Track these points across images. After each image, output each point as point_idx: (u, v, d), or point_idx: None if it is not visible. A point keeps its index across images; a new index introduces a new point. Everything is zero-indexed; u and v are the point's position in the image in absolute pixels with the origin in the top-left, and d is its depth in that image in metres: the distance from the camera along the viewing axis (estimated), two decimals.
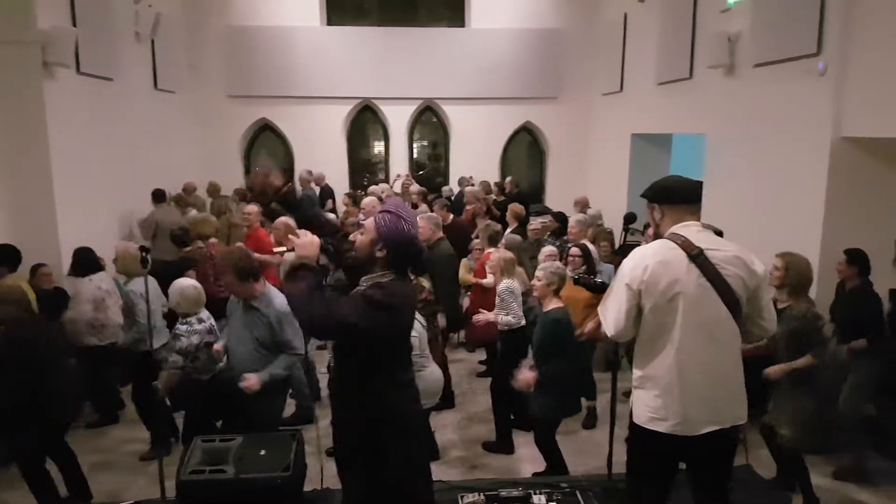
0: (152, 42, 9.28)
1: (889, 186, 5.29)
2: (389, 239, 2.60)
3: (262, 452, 3.26)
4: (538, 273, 4.31)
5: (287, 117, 11.85)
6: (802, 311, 4.05)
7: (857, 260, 4.67)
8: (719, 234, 3.01)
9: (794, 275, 4.09)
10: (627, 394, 3.57)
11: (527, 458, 4.86)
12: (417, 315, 4.17)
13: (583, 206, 9.23)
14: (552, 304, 4.24)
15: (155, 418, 4.81)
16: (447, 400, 5.62)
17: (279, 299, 3.77)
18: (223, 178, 10.63)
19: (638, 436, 2.72)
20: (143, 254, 3.92)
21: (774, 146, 5.99)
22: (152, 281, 5.07)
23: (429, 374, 4.22)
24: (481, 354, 6.87)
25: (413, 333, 4.15)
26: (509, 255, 5.24)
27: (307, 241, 2.66)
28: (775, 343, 4.05)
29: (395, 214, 2.63)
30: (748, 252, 2.66)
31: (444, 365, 5.19)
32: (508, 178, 10.71)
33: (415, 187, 10.09)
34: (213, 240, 6.31)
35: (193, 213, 8.23)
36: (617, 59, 10.32)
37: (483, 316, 4.99)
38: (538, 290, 4.28)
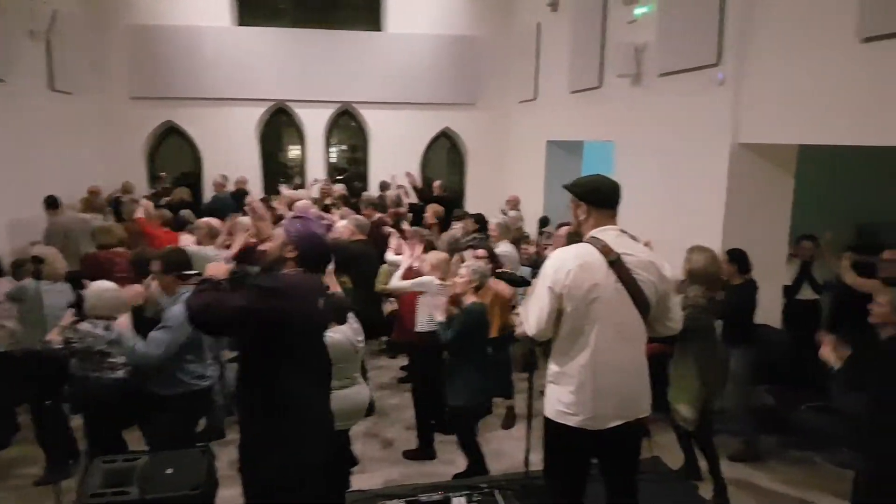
0: (48, 41, 8.72)
1: (782, 189, 5.67)
2: (298, 239, 2.76)
3: (170, 471, 3.10)
4: (462, 270, 4.37)
5: (195, 120, 11.43)
6: (693, 298, 4.23)
7: (736, 258, 4.96)
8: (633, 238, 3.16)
9: (696, 267, 4.29)
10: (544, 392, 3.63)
11: (449, 462, 4.87)
12: (354, 324, 4.08)
13: (514, 204, 9.35)
14: (471, 300, 4.31)
15: (53, 434, 4.49)
16: (367, 408, 5.53)
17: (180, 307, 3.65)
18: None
19: (550, 430, 2.81)
20: (38, 265, 3.69)
21: (679, 152, 6.29)
22: (66, 286, 4.94)
23: (355, 392, 4.02)
24: (403, 360, 6.82)
25: (358, 340, 4.08)
26: (443, 255, 5.23)
27: (216, 265, 2.80)
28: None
29: (304, 218, 2.86)
30: (660, 258, 2.81)
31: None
32: (437, 182, 10.76)
33: (338, 187, 9.96)
34: (118, 248, 5.97)
35: (98, 220, 7.78)
36: (531, 68, 10.56)
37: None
38: (459, 288, 4.33)
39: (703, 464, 4.50)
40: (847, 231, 6.61)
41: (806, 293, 6.15)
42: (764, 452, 5.05)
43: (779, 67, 5.12)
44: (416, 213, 8.80)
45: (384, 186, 10.98)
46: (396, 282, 5.05)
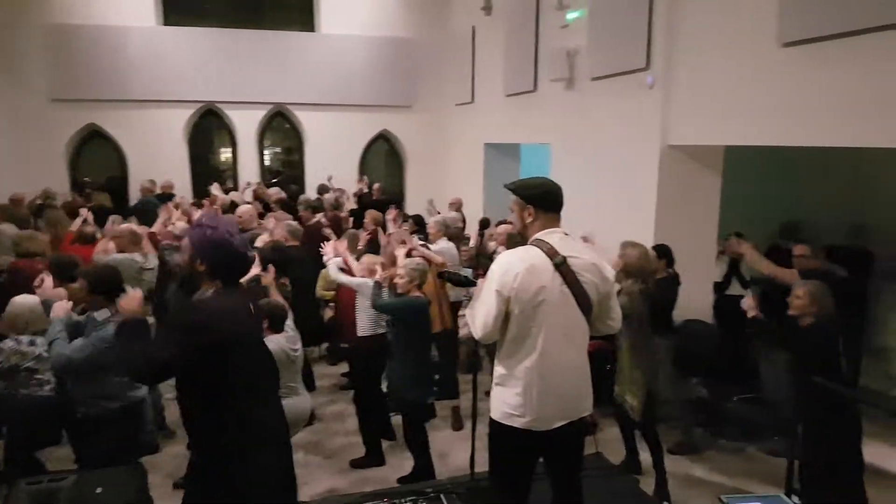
0: None
1: (710, 188, 5.88)
2: (205, 251, 2.54)
3: (99, 490, 2.94)
4: (399, 270, 4.34)
5: (120, 122, 10.97)
6: (627, 290, 4.36)
7: (661, 253, 5.13)
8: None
9: (630, 261, 4.42)
10: (489, 393, 3.64)
11: (399, 468, 4.80)
12: (290, 332, 3.96)
13: (457, 207, 9.36)
14: (416, 294, 4.34)
15: None
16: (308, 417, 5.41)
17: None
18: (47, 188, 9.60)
19: (496, 432, 2.82)
20: None
21: (612, 153, 6.45)
22: None
23: (295, 402, 3.93)
24: (344, 367, 6.70)
25: (293, 349, 3.97)
26: (376, 258, 5.17)
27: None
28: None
29: (207, 226, 2.57)
30: (601, 259, 2.85)
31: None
32: (376, 185, 10.67)
33: (273, 191, 9.71)
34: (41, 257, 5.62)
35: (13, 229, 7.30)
36: (467, 71, 10.63)
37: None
38: (401, 287, 4.32)
39: (644, 457, 4.61)
40: (772, 227, 6.92)
41: (735, 289, 6.39)
42: (699, 444, 5.22)
43: (705, 72, 5.31)
44: (357, 217, 8.70)
45: (322, 190, 10.82)
46: (335, 272, 4.95)
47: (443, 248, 6.15)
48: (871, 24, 3.80)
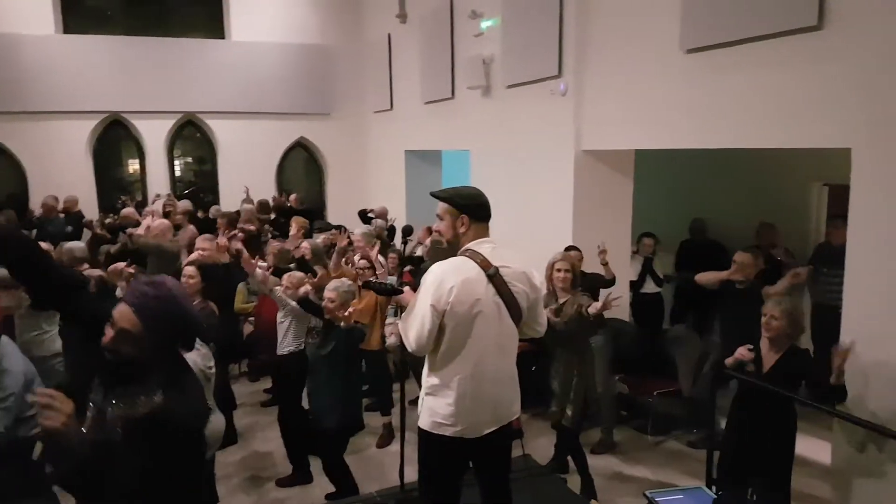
0: None
1: (623, 191, 6.08)
2: (157, 331, 1.96)
3: None
4: (328, 294, 4.13)
5: (16, 135, 10.26)
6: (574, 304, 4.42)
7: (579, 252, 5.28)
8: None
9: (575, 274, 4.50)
10: (414, 401, 3.61)
11: (325, 485, 4.68)
12: (202, 348, 3.78)
13: (382, 214, 9.25)
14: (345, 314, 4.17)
15: None
16: (228, 437, 5.20)
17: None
18: None
19: (425, 441, 2.80)
20: None
21: (530, 159, 6.57)
22: None
23: (210, 422, 3.79)
24: (266, 383, 6.50)
25: (209, 366, 3.78)
26: (299, 274, 5.04)
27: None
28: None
29: (156, 284, 2.04)
30: (530, 268, 2.89)
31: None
32: (293, 196, 10.44)
33: (184, 203, 9.34)
34: None
35: None
36: (385, 78, 10.59)
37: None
38: (329, 312, 4.12)
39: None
40: (681, 226, 7.23)
41: (649, 287, 6.65)
42: (622, 440, 5.37)
43: (614, 79, 5.50)
44: (280, 226, 8.50)
45: (241, 201, 10.52)
46: (280, 294, 4.74)
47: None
48: (764, 32, 4.03)
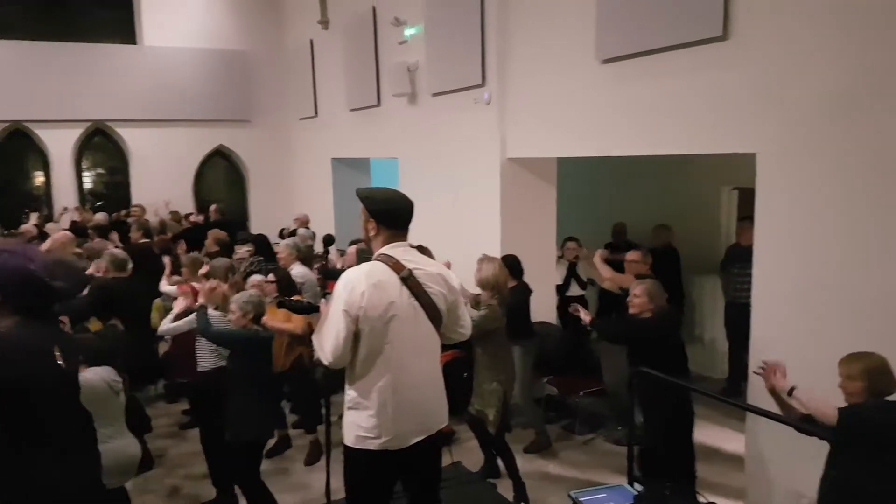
0: None
1: (547, 198, 6.20)
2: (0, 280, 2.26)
3: None
4: (231, 306, 4.05)
5: None
6: (486, 303, 4.48)
7: (509, 264, 5.33)
8: (420, 248, 3.18)
9: (486, 275, 4.51)
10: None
11: None
12: (106, 376, 3.57)
13: (302, 223, 9.05)
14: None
15: None
16: (144, 462, 4.91)
17: None
18: None
19: (350, 458, 2.73)
20: None
21: (457, 167, 6.60)
22: None
23: (117, 447, 3.52)
24: (184, 404, 6.20)
25: (116, 380, 3.56)
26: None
27: None
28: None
29: (8, 252, 2.33)
30: (446, 269, 2.87)
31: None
32: (213, 206, 10.09)
33: (100, 216, 8.87)
34: None
35: None
36: (308, 85, 10.42)
37: None
38: (234, 323, 4.03)
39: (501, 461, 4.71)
40: (603, 230, 7.43)
41: (574, 290, 6.80)
42: (552, 441, 5.44)
43: (535, 88, 5.60)
44: (195, 239, 8.17)
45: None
46: (168, 325, 4.59)
47: (299, 274, 5.85)
48: (673, 43, 4.19)
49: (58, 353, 2.32)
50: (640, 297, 4.01)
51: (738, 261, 5.90)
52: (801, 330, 3.54)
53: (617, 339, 4.49)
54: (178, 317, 4.58)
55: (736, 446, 4.84)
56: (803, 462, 3.18)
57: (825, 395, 2.83)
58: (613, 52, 4.70)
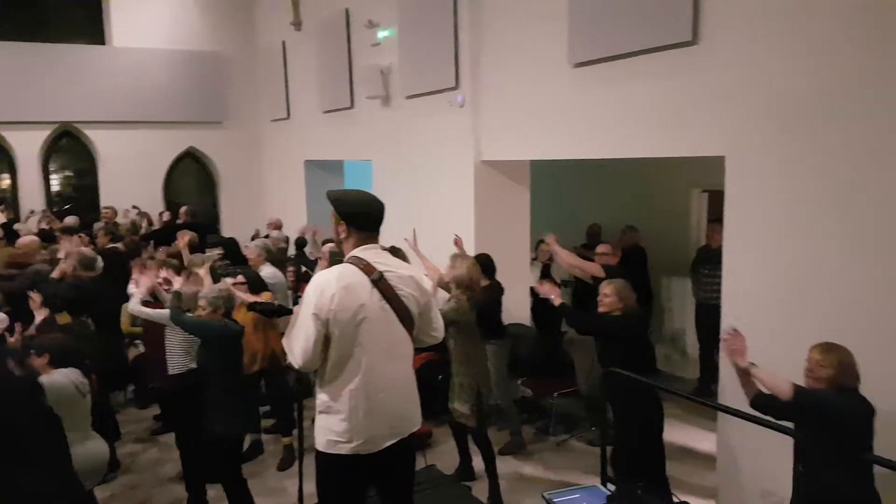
0: None
1: (520, 200, 6.23)
2: None
3: None
4: (200, 301, 4.01)
5: None
6: (456, 298, 4.48)
7: (480, 263, 5.34)
8: (394, 249, 3.17)
9: (460, 273, 4.51)
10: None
11: None
12: (74, 377, 3.51)
13: (276, 227, 8.96)
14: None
15: None
16: (111, 465, 4.81)
17: None
18: None
19: (322, 463, 2.71)
20: None
21: (432, 169, 6.60)
22: None
23: (85, 450, 3.47)
24: (155, 409, 6.10)
25: (83, 381, 3.50)
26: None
27: None
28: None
29: None
30: (418, 271, 2.88)
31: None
32: (184, 208, 9.94)
33: (70, 219, 8.69)
34: None
35: None
36: (280, 86, 10.33)
37: None
38: (205, 318, 3.99)
39: (477, 461, 4.70)
40: (577, 232, 7.48)
41: None
42: (527, 442, 5.46)
43: (508, 91, 5.63)
44: (166, 241, 8.04)
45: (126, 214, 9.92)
46: (138, 306, 4.52)
47: (269, 275, 5.79)
48: (644, 47, 4.25)
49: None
50: (609, 296, 4.04)
51: (707, 262, 5.99)
52: (769, 330, 3.61)
53: (583, 329, 4.51)
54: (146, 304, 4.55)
55: (708, 446, 4.91)
56: (775, 461, 3.24)
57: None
58: (585, 56, 4.74)
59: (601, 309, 4.09)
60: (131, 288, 5.56)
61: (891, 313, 3.11)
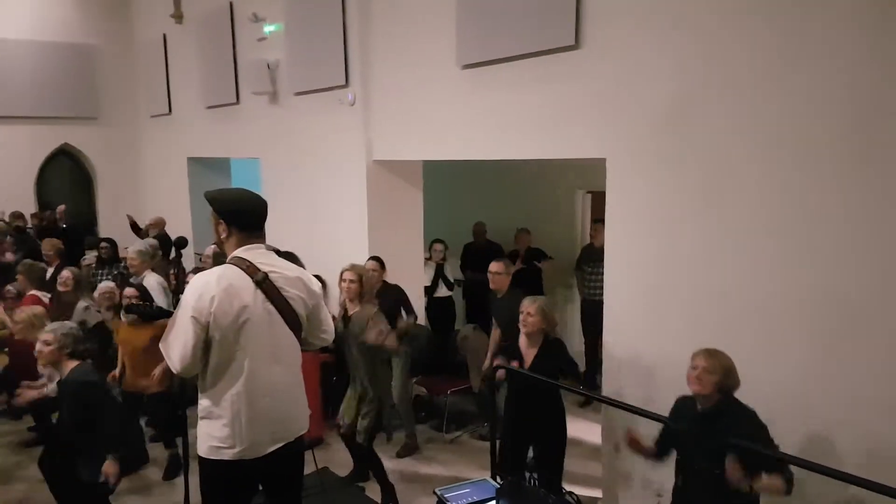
0: None
1: (413, 200, 6.24)
2: None
3: None
4: (46, 337, 3.59)
5: None
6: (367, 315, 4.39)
7: (378, 263, 5.35)
8: (289, 254, 3.05)
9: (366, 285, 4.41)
10: None
11: None
12: None
13: (159, 227, 8.44)
14: (69, 366, 3.61)
15: None
16: None
17: None
18: None
19: (205, 469, 2.61)
20: None
21: (323, 168, 6.47)
22: None
23: None
24: (30, 420, 5.60)
25: None
26: (39, 310, 4.41)
27: None
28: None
29: None
30: (307, 273, 2.80)
31: None
32: (60, 207, 9.19)
33: None
34: None
35: None
36: (161, 81, 9.82)
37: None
38: (45, 357, 3.60)
39: None
40: (465, 230, 7.60)
41: (442, 291, 6.91)
42: (421, 441, 5.48)
43: (399, 90, 5.62)
44: (33, 248, 7.42)
45: None
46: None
47: (152, 284, 5.43)
48: (529, 50, 4.36)
49: None
50: (533, 315, 3.86)
51: (591, 260, 6.27)
52: (648, 324, 3.80)
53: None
54: None
55: (594, 437, 5.11)
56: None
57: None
58: (473, 58, 4.82)
59: (524, 329, 3.92)
60: None
61: (750, 307, 3.34)
